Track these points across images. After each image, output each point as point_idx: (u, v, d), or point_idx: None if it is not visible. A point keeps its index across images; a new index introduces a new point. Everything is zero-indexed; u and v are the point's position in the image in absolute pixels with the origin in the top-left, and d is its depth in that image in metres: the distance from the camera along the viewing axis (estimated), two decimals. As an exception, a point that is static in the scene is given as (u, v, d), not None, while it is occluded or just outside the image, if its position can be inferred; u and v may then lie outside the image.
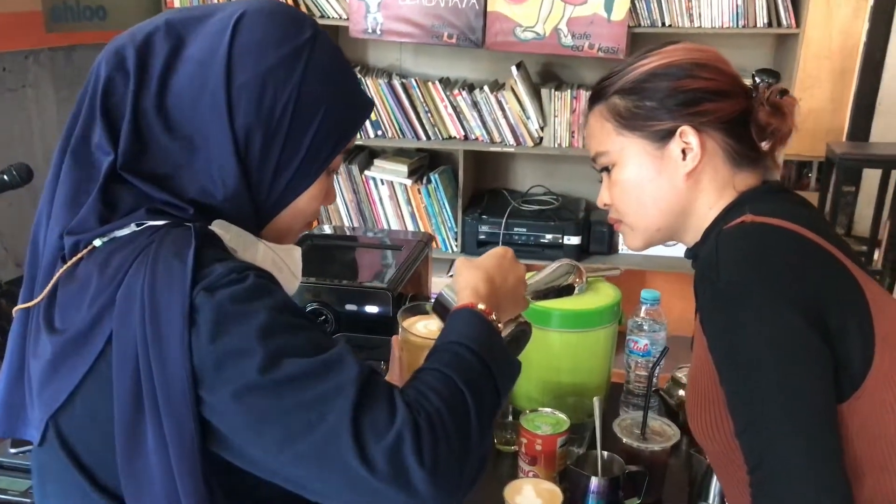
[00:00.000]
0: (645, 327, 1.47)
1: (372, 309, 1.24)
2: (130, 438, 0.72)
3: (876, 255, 4.30)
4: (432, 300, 1.35)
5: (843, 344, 0.84)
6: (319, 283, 1.26)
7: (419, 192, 2.87)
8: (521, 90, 2.68)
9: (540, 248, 2.78)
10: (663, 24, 2.56)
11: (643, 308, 1.48)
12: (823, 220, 0.97)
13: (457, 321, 0.85)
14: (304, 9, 2.75)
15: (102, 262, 0.75)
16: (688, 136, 0.96)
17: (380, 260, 1.42)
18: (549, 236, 2.74)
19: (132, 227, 0.77)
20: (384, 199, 2.89)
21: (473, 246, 2.81)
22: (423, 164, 2.98)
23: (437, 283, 1.88)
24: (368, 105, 0.91)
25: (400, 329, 1.09)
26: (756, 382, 0.83)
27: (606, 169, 1.04)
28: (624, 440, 1.26)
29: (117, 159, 0.77)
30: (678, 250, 3.02)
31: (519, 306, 0.99)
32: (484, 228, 2.78)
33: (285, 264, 0.89)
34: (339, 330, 1.26)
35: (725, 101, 0.97)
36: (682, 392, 1.46)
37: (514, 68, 2.69)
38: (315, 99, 0.81)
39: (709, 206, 0.99)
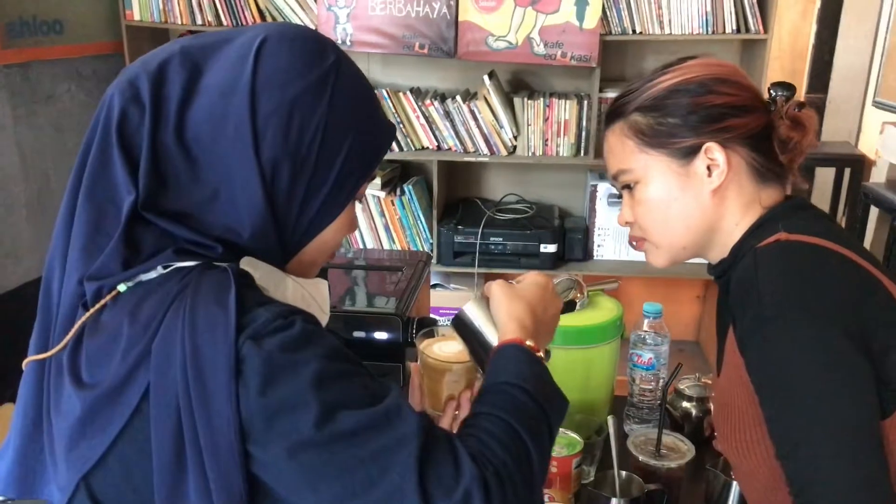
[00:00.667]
0: (648, 341, 1.46)
1: (381, 335, 1.21)
2: (171, 498, 0.67)
3: (832, 251, 4.41)
4: (435, 319, 1.33)
5: (886, 361, 0.84)
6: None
7: (393, 204, 2.83)
8: (494, 99, 2.67)
9: (517, 258, 2.77)
10: (634, 31, 2.57)
11: (645, 321, 1.47)
12: (849, 234, 0.97)
13: (507, 359, 0.82)
14: (269, 20, 2.69)
15: (132, 309, 0.70)
16: (713, 152, 0.95)
17: (382, 283, 1.38)
18: (525, 245, 2.73)
19: (159, 270, 0.73)
20: (357, 213, 2.84)
21: (450, 257, 2.78)
22: (396, 175, 2.94)
23: (435, 298, 1.84)
24: (392, 129, 0.87)
25: (418, 354, 1.06)
26: (801, 406, 0.82)
27: (628, 186, 1.03)
28: (640, 458, 1.25)
29: (138, 198, 0.72)
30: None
31: (550, 337, 0.97)
32: (459, 239, 2.76)
33: (314, 300, 0.85)
34: (346, 358, 1.22)
35: (749, 116, 0.96)
36: (685, 404, 1.46)
37: (486, 77, 2.67)
38: (342, 127, 0.78)
39: (735, 222, 0.99)
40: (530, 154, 2.74)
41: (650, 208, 1.00)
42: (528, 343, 0.85)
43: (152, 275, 0.72)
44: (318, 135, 0.76)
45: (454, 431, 1.09)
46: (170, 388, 0.66)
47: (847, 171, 4.21)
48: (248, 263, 0.76)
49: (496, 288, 0.94)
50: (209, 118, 0.74)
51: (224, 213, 0.75)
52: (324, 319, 0.87)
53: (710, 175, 0.96)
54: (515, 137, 2.73)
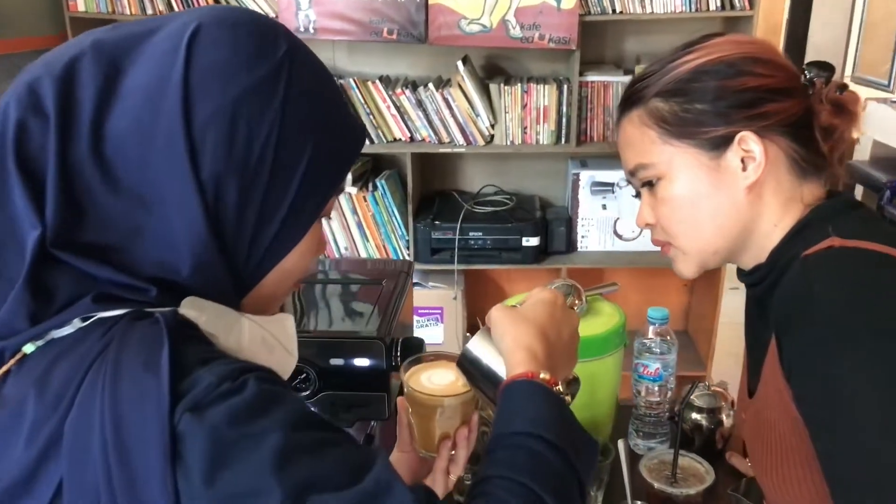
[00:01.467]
0: (655, 349, 1.34)
1: (362, 362, 1.06)
2: None
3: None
4: (422, 340, 1.19)
5: None
6: (297, 335, 1.06)
7: (365, 200, 2.67)
8: (469, 86, 2.52)
9: (497, 252, 2.63)
10: (614, 10, 2.43)
11: (651, 328, 1.35)
12: None
13: (517, 400, 0.68)
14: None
15: (40, 377, 0.55)
16: (748, 143, 0.83)
17: (360, 299, 1.24)
18: (506, 239, 2.60)
19: (76, 324, 0.58)
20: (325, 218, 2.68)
21: (427, 254, 2.64)
22: (367, 169, 2.79)
23: (414, 297, 1.70)
24: (362, 131, 0.73)
25: (404, 387, 0.92)
26: (871, 448, 0.69)
27: (649, 183, 0.89)
28: (655, 485, 1.13)
29: (46, 233, 0.57)
30: (636, 244, 2.90)
31: (572, 363, 0.83)
32: (437, 235, 2.61)
33: (277, 341, 0.70)
34: (322, 389, 1.07)
35: (787, 101, 0.84)
36: (696, 415, 1.34)
37: (459, 63, 2.52)
38: (301, 130, 0.64)
39: (773, 223, 0.86)
40: (509, 143, 2.60)
41: (675, 208, 0.87)
42: (543, 376, 0.71)
43: (67, 330, 0.58)
44: (271, 143, 0.62)
45: (451, 476, 0.95)
46: (89, 481, 0.52)
47: (827, 149, 4.15)
48: (191, 305, 0.61)
49: (496, 314, 0.80)
50: (133, 128, 0.59)
51: (157, 246, 0.60)
52: (291, 363, 0.73)
53: (744, 169, 0.84)
54: (492, 126, 2.59)
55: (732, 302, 3.12)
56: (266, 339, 0.68)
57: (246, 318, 0.66)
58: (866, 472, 0.69)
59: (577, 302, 1.33)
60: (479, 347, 0.83)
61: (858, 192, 3.39)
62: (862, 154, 3.47)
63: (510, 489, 0.61)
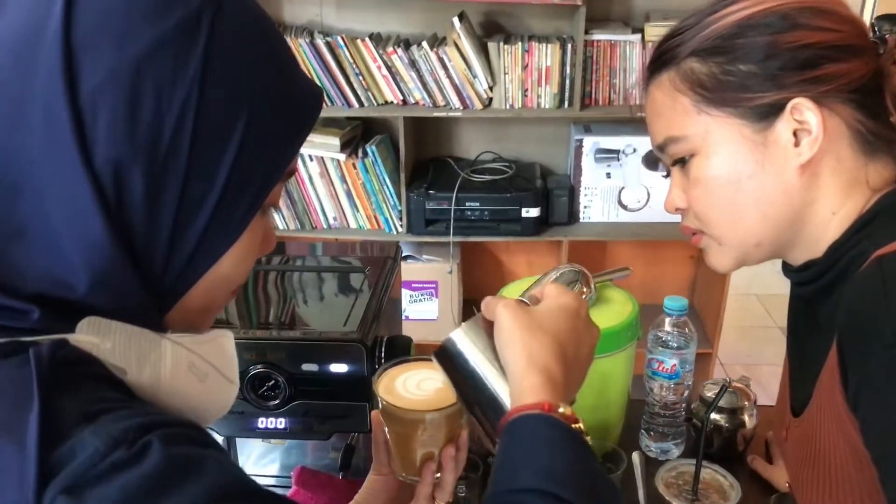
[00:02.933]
0: (672, 344, 1.20)
1: (339, 368, 0.92)
2: None
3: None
4: (409, 339, 1.04)
5: None
6: (264, 337, 0.92)
7: (354, 168, 2.51)
8: (466, 45, 2.34)
9: (496, 224, 2.48)
10: (623, -38, 2.25)
11: (667, 320, 1.20)
12: None
13: (530, 442, 0.55)
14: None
15: None
16: (803, 111, 0.69)
17: (339, 291, 1.09)
18: (505, 209, 2.44)
19: None
20: (314, 178, 2.52)
21: (421, 225, 2.48)
22: (357, 134, 2.61)
23: (407, 271, 1.57)
24: (317, 95, 0.58)
25: (378, 400, 0.78)
26: None
27: (681, 160, 0.75)
28: (673, 503, 1.00)
29: None
30: (641, 216, 2.76)
31: (580, 386, 0.69)
32: (432, 205, 2.46)
33: (211, 366, 0.55)
34: (294, 398, 0.94)
35: (853, 61, 0.69)
36: (715, 416, 1.20)
37: (455, 20, 2.33)
38: (229, 98, 0.50)
39: (832, 210, 0.72)
40: (508, 107, 2.42)
41: (712, 190, 0.73)
42: (562, 410, 0.58)
43: None
44: (187, 116, 0.48)
45: (438, 503, 0.82)
46: None
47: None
48: (92, 328, 0.47)
49: (504, 312, 0.65)
50: None
51: (40, 254, 0.47)
52: (230, 392, 0.58)
53: (797, 144, 0.70)
54: (491, 88, 2.41)
55: (742, 273, 3.00)
56: (195, 365, 0.54)
57: (168, 340, 0.52)
58: None
59: (584, 290, 1.18)
60: (467, 341, 0.68)
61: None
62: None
63: None
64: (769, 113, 0.70)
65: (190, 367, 0.53)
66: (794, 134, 0.70)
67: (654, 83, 0.76)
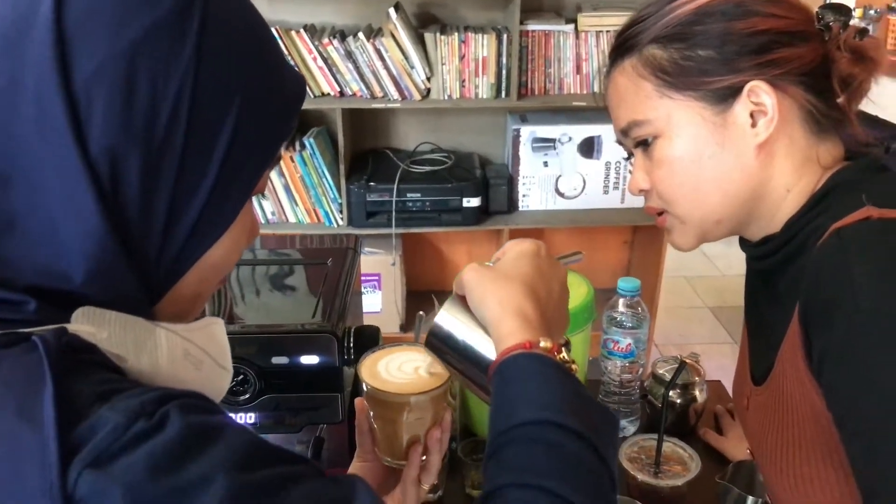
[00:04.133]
0: (626, 324, 1.23)
1: (310, 359, 0.91)
2: None
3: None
4: (377, 328, 1.04)
5: None
6: (232, 331, 0.90)
7: (292, 161, 2.47)
8: (403, 36, 2.34)
9: (437, 214, 2.49)
10: (555, -47, 2.29)
11: (621, 301, 1.24)
12: None
13: (518, 380, 0.56)
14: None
15: None
16: (759, 94, 0.72)
17: (303, 283, 1.08)
18: (447, 199, 2.45)
19: None
20: (252, 172, 2.47)
21: (362, 218, 2.47)
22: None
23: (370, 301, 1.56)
24: (301, 82, 0.58)
25: (363, 386, 0.78)
26: None
27: (643, 143, 0.78)
28: (639, 478, 1.03)
29: None
30: (577, 203, 2.82)
31: (565, 323, 0.70)
32: (373, 197, 2.45)
33: (206, 354, 0.55)
34: (264, 392, 0.93)
35: (803, 46, 0.73)
36: (663, 392, 1.25)
37: (391, 10, 2.33)
38: (222, 86, 0.50)
39: (786, 187, 0.76)
40: (446, 97, 2.44)
41: (675, 171, 0.76)
42: (542, 344, 0.59)
43: None
44: (182, 104, 0.48)
45: (423, 486, 0.82)
46: None
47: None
48: (86, 318, 0.47)
49: (469, 275, 0.66)
50: None
51: (36, 246, 0.46)
52: (224, 378, 0.59)
53: (754, 125, 0.73)
54: (429, 79, 2.42)
55: (671, 256, 3.10)
56: (190, 353, 0.54)
57: (162, 328, 0.52)
58: None
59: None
60: (450, 319, 0.68)
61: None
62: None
63: (532, 499, 0.49)
64: (727, 95, 0.73)
65: (185, 355, 0.53)
66: (751, 115, 0.73)
67: (616, 69, 0.78)
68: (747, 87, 0.72)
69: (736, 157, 0.74)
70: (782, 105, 0.72)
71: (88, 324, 0.47)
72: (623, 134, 0.80)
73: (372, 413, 0.78)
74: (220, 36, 0.50)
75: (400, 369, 0.76)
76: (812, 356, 0.69)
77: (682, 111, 0.74)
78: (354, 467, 0.82)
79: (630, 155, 0.82)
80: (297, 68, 0.60)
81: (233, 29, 0.51)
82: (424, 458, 0.78)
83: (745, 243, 0.83)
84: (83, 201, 0.45)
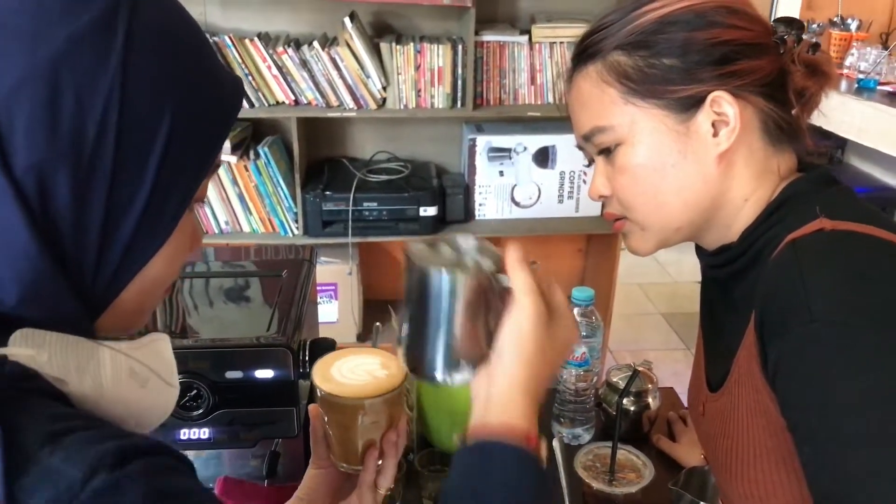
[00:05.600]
0: (581, 332, 1.25)
1: (265, 373, 0.90)
2: None
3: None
4: (333, 341, 1.03)
5: None
6: (185, 346, 0.89)
7: (246, 170, 2.45)
8: (358, 45, 2.33)
9: (394, 223, 2.49)
10: (510, -35, 2.31)
11: (576, 310, 1.26)
12: (886, 215, 0.77)
13: (505, 476, 0.57)
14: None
15: None
16: (722, 104, 0.73)
17: (258, 296, 1.07)
18: (404, 209, 2.45)
19: None
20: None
21: (318, 227, 2.46)
22: (247, 135, 2.55)
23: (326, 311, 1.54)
24: (238, 85, 0.58)
25: (317, 391, 0.77)
26: (865, 453, 0.61)
27: (606, 150, 0.78)
28: (594, 486, 1.04)
29: None
30: (532, 212, 2.84)
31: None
32: (329, 206, 2.43)
33: (151, 371, 0.54)
34: (218, 406, 0.91)
35: (763, 58, 0.74)
36: (617, 399, 1.27)
37: (346, 20, 2.32)
38: (153, 93, 0.49)
39: (744, 196, 0.77)
40: (402, 107, 2.44)
41: (636, 178, 0.77)
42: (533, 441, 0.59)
43: None
44: (111, 116, 0.47)
45: (380, 490, 0.81)
46: None
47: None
48: (24, 341, 0.46)
49: (531, 311, 0.61)
50: None
51: None
52: (171, 396, 0.57)
53: (716, 134, 0.74)
54: (385, 88, 2.42)
55: (624, 263, 3.14)
56: (135, 371, 0.53)
57: (105, 347, 0.50)
58: (857, 489, 0.61)
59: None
60: (460, 286, 0.59)
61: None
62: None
63: None
64: (690, 105, 0.74)
65: (130, 374, 0.52)
66: (713, 125, 0.74)
67: (579, 74, 0.79)
68: (710, 97, 0.73)
69: (697, 166, 0.75)
70: (743, 115, 0.74)
71: (27, 346, 0.46)
72: (585, 139, 0.80)
73: (326, 418, 0.78)
74: (147, 46, 0.49)
75: (353, 372, 0.75)
76: (767, 364, 0.70)
77: (646, 119, 0.75)
78: (310, 476, 0.82)
79: (590, 161, 0.83)
80: (233, 72, 0.59)
81: (161, 38, 0.50)
82: (380, 462, 0.78)
83: (701, 252, 0.85)
84: (10, 221, 0.45)
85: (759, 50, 0.74)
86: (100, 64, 0.46)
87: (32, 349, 0.46)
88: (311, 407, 0.80)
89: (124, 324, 0.55)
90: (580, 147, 0.83)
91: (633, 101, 0.75)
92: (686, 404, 1.37)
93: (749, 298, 0.74)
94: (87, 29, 0.46)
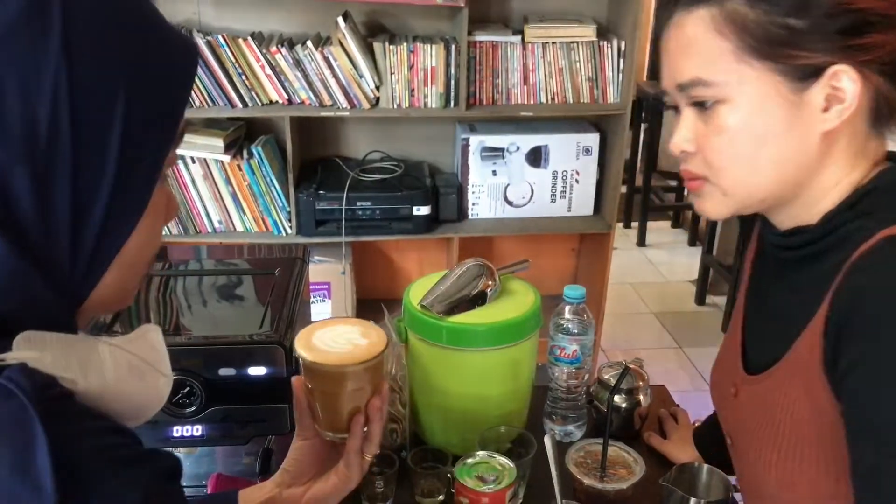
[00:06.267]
0: (573, 330, 1.26)
1: (258, 371, 0.91)
2: None
3: (686, 190, 4.50)
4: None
5: None
6: (178, 343, 0.89)
7: (240, 169, 2.45)
8: (351, 45, 2.34)
9: (387, 223, 2.49)
10: (502, -34, 2.32)
11: (567, 308, 1.26)
12: None
13: None
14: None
15: None
16: (842, 79, 0.68)
17: (251, 294, 1.07)
18: (397, 208, 2.46)
19: None
20: (198, 181, 2.44)
21: (311, 226, 2.46)
22: (241, 135, 2.55)
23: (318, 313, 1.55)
24: (191, 48, 0.55)
25: (301, 360, 0.77)
26: None
27: (701, 104, 0.72)
28: (585, 482, 1.05)
29: None
30: (525, 211, 2.84)
31: None
32: (322, 205, 2.44)
33: (146, 363, 0.55)
34: (211, 403, 0.92)
35: (893, 33, 0.68)
36: (608, 396, 1.27)
37: (340, 20, 2.33)
38: (103, 73, 0.47)
39: (836, 179, 0.73)
40: (395, 106, 2.44)
41: (735, 143, 0.71)
42: None
43: None
44: (62, 105, 0.45)
45: (367, 457, 0.80)
46: None
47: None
48: (26, 344, 0.45)
49: None
50: None
51: None
52: (166, 386, 0.58)
53: (826, 110, 0.69)
54: (378, 88, 2.42)
55: (618, 263, 3.15)
56: (133, 364, 0.53)
57: (103, 343, 0.51)
58: None
59: (489, 283, 1.23)
60: None
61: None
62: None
63: None
64: (809, 74, 0.68)
65: (129, 368, 0.53)
66: (826, 99, 0.69)
67: (689, 15, 0.71)
68: (832, 69, 0.67)
69: (800, 141, 0.71)
70: (860, 94, 0.68)
71: (30, 349, 0.46)
72: (679, 88, 0.74)
73: (311, 387, 0.78)
74: (89, 19, 0.46)
75: (335, 341, 0.75)
76: (836, 359, 0.68)
77: (757, 82, 0.69)
78: (296, 448, 0.81)
79: (674, 109, 0.77)
80: (185, 35, 0.58)
81: (101, 10, 0.48)
82: (366, 428, 0.78)
83: (768, 230, 0.81)
84: None
85: (892, 23, 0.67)
86: (40, 50, 0.44)
87: (36, 351, 0.46)
88: (295, 378, 0.80)
89: (110, 305, 0.55)
90: (664, 94, 0.76)
91: (748, 60, 0.69)
92: (680, 404, 1.38)
93: (820, 284, 0.70)
94: (19, 16, 0.44)
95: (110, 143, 0.47)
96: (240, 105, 2.39)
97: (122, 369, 0.52)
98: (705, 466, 1.08)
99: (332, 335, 0.77)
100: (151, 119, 0.50)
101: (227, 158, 2.41)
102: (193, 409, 0.91)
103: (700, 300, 3.67)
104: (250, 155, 2.45)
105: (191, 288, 1.06)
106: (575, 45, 2.47)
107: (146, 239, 0.53)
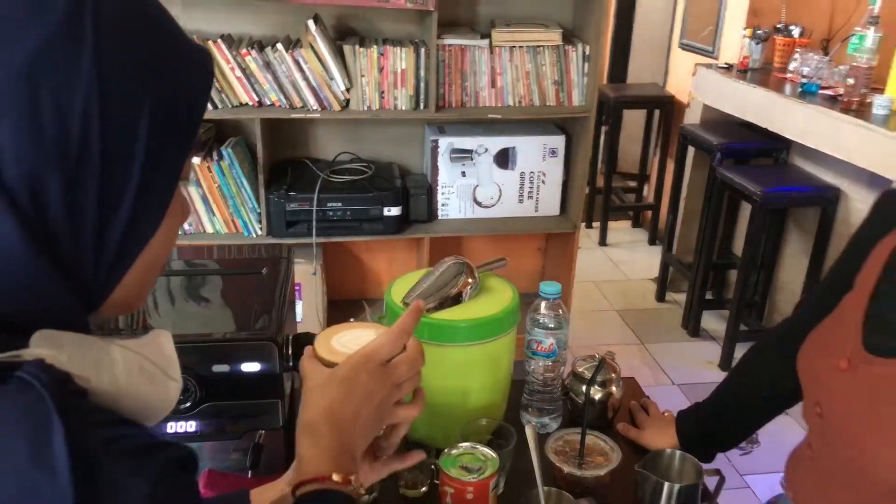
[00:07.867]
0: (549, 324, 1.30)
1: (251, 367, 0.93)
2: None
3: (645, 190, 4.60)
4: (313, 336, 1.06)
5: None
6: (174, 341, 0.91)
7: (210, 171, 2.45)
8: (322, 47, 2.36)
9: (358, 223, 2.52)
10: (471, -29, 2.36)
11: (543, 303, 1.31)
12: None
13: None
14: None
15: None
16: None
17: (241, 293, 1.09)
18: (368, 209, 2.49)
19: None
20: (168, 182, 2.43)
21: (282, 227, 2.47)
22: (211, 136, 2.55)
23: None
24: (207, 58, 0.58)
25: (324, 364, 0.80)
26: None
27: None
28: (565, 470, 1.10)
29: None
30: (494, 212, 2.89)
31: (374, 433, 0.78)
32: (293, 206, 2.46)
33: (156, 366, 0.57)
34: (205, 399, 0.94)
35: None
36: (585, 388, 1.33)
37: (310, 22, 2.35)
38: (131, 82, 0.49)
39: None
40: (366, 108, 2.47)
41: None
42: (335, 477, 0.67)
43: None
44: (93, 112, 0.47)
45: (389, 450, 0.85)
46: None
47: (657, 113, 4.36)
48: (44, 342, 0.47)
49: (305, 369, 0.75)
50: None
51: None
52: (174, 390, 0.59)
53: None
54: (348, 90, 2.45)
55: (582, 261, 3.22)
56: (143, 367, 0.55)
57: (116, 345, 0.53)
58: None
59: (469, 281, 1.27)
60: None
61: (689, 153, 3.59)
62: (692, 118, 3.68)
63: None
64: None
65: (140, 370, 0.54)
66: None
67: None
68: None
69: None
70: None
71: (47, 347, 0.47)
72: None
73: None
74: (117, 35, 0.49)
75: (355, 343, 0.78)
76: None
77: None
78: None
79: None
80: (200, 45, 0.61)
81: (130, 23, 0.50)
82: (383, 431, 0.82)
83: None
84: (4, 230, 0.45)
85: None
86: (73, 62, 0.46)
87: (53, 349, 0.47)
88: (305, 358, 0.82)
89: (125, 307, 0.57)
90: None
91: None
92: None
93: None
94: (56, 29, 0.46)
95: (136, 150, 0.49)
96: (210, 107, 2.39)
97: (134, 371, 0.53)
98: (678, 453, 1.14)
99: (350, 338, 0.79)
100: (173, 126, 0.52)
101: (196, 160, 2.41)
102: (188, 405, 0.93)
103: (661, 297, 3.76)
104: (220, 157, 2.45)
105: (181, 287, 1.07)
106: (541, 48, 2.53)
107: (164, 239, 0.55)
